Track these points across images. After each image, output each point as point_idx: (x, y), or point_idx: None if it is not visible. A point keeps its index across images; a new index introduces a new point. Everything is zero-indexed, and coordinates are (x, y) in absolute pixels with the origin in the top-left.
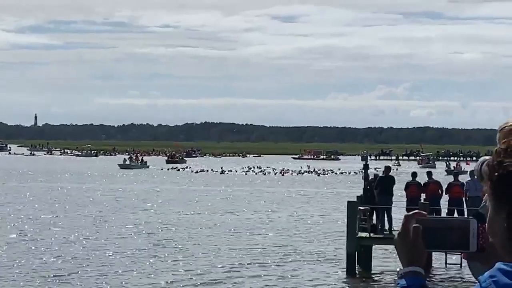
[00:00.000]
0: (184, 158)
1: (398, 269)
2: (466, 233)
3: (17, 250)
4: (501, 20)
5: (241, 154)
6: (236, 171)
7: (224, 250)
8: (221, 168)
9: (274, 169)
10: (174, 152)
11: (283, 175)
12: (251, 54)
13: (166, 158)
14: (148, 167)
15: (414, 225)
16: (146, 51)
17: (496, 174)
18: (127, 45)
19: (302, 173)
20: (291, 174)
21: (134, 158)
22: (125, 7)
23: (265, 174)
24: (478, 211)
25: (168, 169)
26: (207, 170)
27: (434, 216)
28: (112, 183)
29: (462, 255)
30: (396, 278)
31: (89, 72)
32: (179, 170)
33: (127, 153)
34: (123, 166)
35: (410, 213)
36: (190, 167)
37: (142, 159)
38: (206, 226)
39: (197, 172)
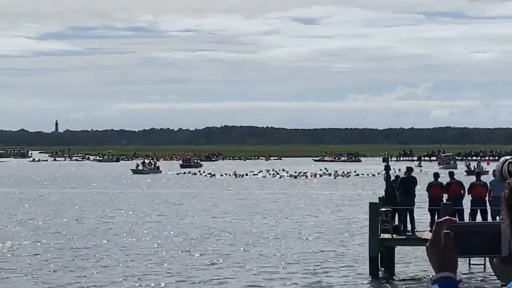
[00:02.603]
0: (200, 162)
1: (430, 275)
2: (497, 238)
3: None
4: None
5: (264, 157)
6: (254, 175)
7: (244, 254)
8: (235, 172)
9: (287, 171)
10: (189, 156)
11: (296, 177)
12: (271, 57)
13: (180, 162)
14: (160, 172)
15: (445, 231)
16: (166, 55)
17: None
18: (147, 50)
19: (320, 176)
20: (306, 177)
21: (147, 163)
22: (146, 12)
23: (281, 178)
24: None
25: (181, 174)
26: (222, 175)
27: (465, 221)
28: (118, 188)
29: (494, 260)
30: (428, 283)
31: (109, 78)
32: (195, 174)
33: (149, 158)
34: (135, 171)
35: (442, 219)
36: (204, 172)
37: (155, 164)
38: (216, 231)
39: (211, 176)
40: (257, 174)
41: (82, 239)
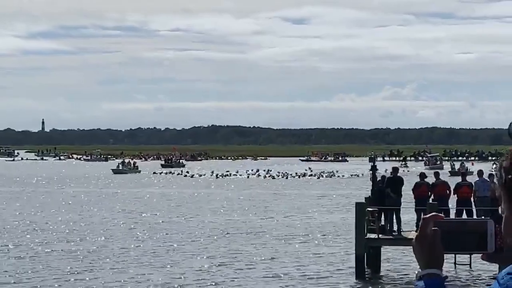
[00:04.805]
0: (183, 162)
1: (416, 272)
2: (484, 234)
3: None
4: (511, 18)
5: (251, 157)
6: (233, 175)
7: (228, 255)
8: (212, 171)
9: (269, 170)
10: (171, 156)
11: (275, 178)
12: (260, 57)
13: (161, 162)
14: (139, 171)
15: (433, 228)
16: (154, 55)
17: (510, 176)
18: (135, 49)
19: (304, 175)
20: (287, 178)
21: (126, 163)
22: (136, 11)
23: (264, 178)
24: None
25: (160, 173)
26: (201, 175)
27: (451, 218)
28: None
29: (481, 256)
30: (414, 280)
31: (97, 77)
32: (173, 174)
33: (138, 157)
34: (116, 171)
35: (428, 215)
36: (186, 171)
37: (134, 164)
38: (195, 230)
39: (191, 176)
40: (236, 174)
41: (69, 241)
